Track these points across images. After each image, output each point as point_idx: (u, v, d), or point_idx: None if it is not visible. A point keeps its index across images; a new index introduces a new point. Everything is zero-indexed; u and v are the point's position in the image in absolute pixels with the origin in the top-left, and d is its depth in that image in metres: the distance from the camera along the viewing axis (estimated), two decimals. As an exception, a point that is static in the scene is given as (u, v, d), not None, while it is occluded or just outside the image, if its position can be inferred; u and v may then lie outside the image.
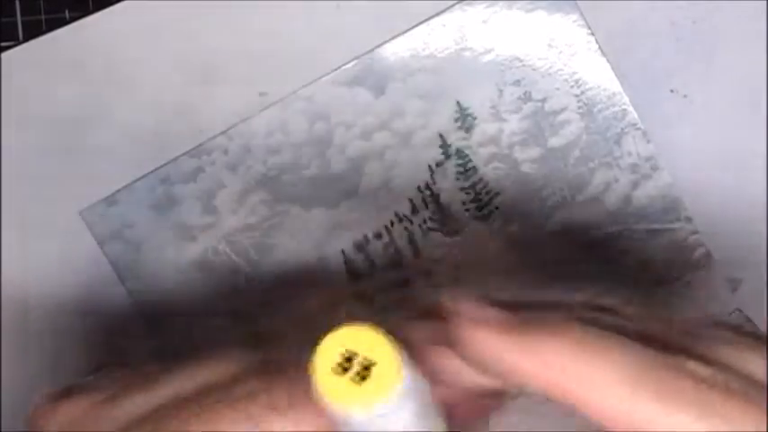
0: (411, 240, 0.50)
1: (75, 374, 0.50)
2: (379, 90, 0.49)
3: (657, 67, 0.49)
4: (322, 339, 0.31)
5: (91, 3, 0.49)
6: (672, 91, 0.49)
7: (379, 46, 0.48)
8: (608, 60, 0.48)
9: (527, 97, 0.49)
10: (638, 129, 0.49)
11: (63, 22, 0.49)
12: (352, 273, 0.50)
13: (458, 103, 0.49)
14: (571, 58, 0.48)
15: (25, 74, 0.48)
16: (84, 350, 0.49)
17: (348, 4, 0.48)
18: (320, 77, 0.48)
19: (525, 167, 0.49)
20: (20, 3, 0.49)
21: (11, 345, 0.49)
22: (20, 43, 0.48)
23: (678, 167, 0.49)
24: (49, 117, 0.48)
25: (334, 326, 0.31)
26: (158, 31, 0.48)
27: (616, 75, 0.49)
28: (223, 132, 0.49)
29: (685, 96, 0.49)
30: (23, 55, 0.48)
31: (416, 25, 0.48)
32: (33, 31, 0.49)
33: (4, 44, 0.48)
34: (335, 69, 0.48)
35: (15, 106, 0.48)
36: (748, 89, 0.49)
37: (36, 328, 0.49)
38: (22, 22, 0.49)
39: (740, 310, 0.50)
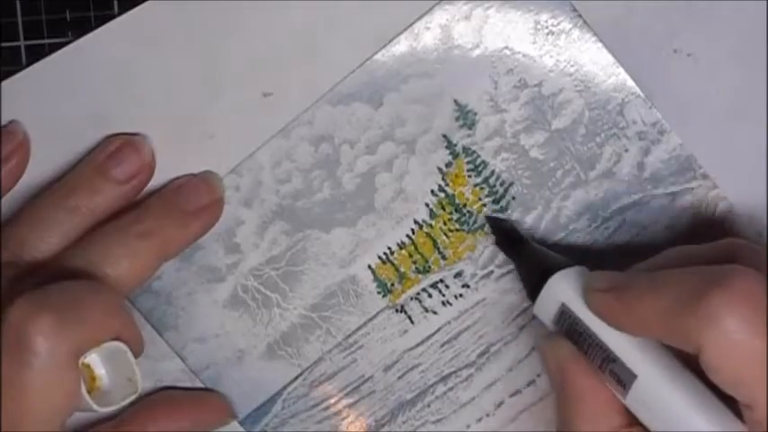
0: (435, 244, 0.50)
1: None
2: (377, 102, 0.49)
3: (658, 28, 0.48)
4: None
5: (91, 3, 0.49)
6: (675, 51, 0.49)
7: (368, 59, 0.49)
8: (595, 33, 0.48)
9: (523, 84, 0.49)
10: (639, 96, 0.49)
11: (64, 23, 0.49)
12: (383, 286, 0.50)
13: (455, 101, 0.49)
14: (559, 38, 0.48)
15: (26, 98, 0.49)
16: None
17: (331, 18, 0.48)
18: (316, 101, 0.49)
19: (534, 153, 0.49)
20: (20, 3, 0.50)
21: None
22: (23, 65, 0.49)
23: (688, 126, 0.49)
24: (55, 150, 0.49)
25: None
26: (160, 43, 0.49)
27: (609, 45, 0.49)
28: (232, 170, 0.49)
29: (689, 55, 0.49)
30: (26, 80, 0.49)
31: (401, 32, 0.48)
32: (35, 33, 0.49)
33: (5, 68, 0.49)
34: (330, 90, 0.49)
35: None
36: (751, 40, 0.49)
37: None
38: (23, 23, 0.49)
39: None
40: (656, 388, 0.40)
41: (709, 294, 0.38)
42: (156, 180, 0.49)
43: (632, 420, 0.42)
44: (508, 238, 0.49)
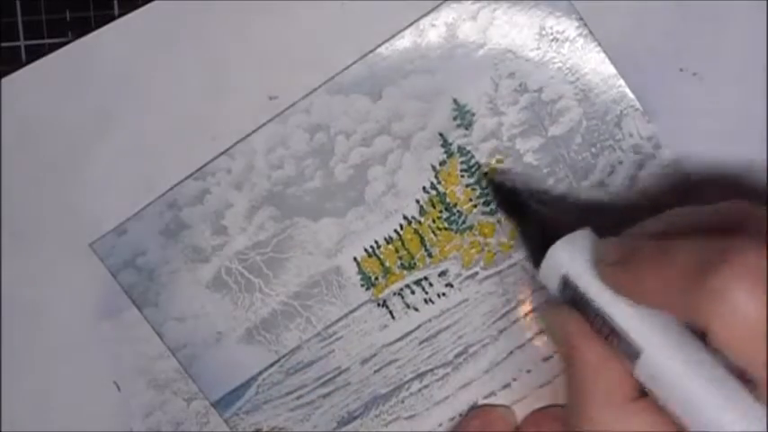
0: (422, 241, 0.50)
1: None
2: (377, 95, 0.49)
3: (666, 46, 0.48)
4: None
5: (91, 3, 0.49)
6: (681, 70, 0.49)
7: (371, 51, 0.48)
8: (599, 44, 0.48)
9: (523, 88, 0.49)
10: (637, 110, 0.49)
11: (64, 23, 0.49)
12: (367, 279, 0.50)
13: (455, 100, 0.49)
14: (563, 45, 0.48)
15: (27, 97, 0.49)
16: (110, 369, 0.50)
17: (343, 8, 0.48)
18: (316, 89, 0.49)
19: (528, 158, 0.49)
20: (20, 3, 0.49)
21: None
22: (23, 65, 0.49)
23: (687, 145, 0.49)
24: (51, 142, 0.49)
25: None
26: (165, 42, 0.49)
27: (614, 59, 0.49)
28: (225, 152, 0.49)
29: (695, 74, 0.49)
30: (26, 77, 0.49)
31: (406, 27, 0.48)
32: (35, 33, 0.49)
33: (5, 68, 0.49)
34: (330, 79, 0.49)
35: (17, 132, 0.49)
36: (756, 61, 0.49)
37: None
38: (23, 22, 0.49)
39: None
40: (662, 362, 0.39)
41: (716, 270, 0.37)
42: (156, 182, 0.49)
43: (645, 390, 0.41)
44: (509, 200, 0.48)
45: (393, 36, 0.48)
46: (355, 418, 0.51)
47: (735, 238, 0.38)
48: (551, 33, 0.48)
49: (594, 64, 0.49)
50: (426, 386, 0.51)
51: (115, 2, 0.49)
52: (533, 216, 0.46)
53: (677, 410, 0.39)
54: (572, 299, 0.43)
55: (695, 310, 0.37)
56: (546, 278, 0.44)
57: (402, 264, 0.50)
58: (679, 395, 0.39)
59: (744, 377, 0.39)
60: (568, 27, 0.48)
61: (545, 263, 0.44)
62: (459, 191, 0.50)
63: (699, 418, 0.38)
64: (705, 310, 0.37)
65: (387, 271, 0.50)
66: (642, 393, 0.41)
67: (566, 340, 0.43)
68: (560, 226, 0.44)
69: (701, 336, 0.39)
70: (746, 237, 0.38)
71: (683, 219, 0.42)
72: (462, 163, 0.49)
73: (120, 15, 0.49)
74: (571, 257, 0.43)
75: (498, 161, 0.49)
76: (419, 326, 0.51)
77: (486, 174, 0.49)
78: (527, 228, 0.47)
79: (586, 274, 0.42)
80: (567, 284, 0.43)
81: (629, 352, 0.40)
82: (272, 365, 0.51)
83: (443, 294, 0.50)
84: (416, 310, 0.51)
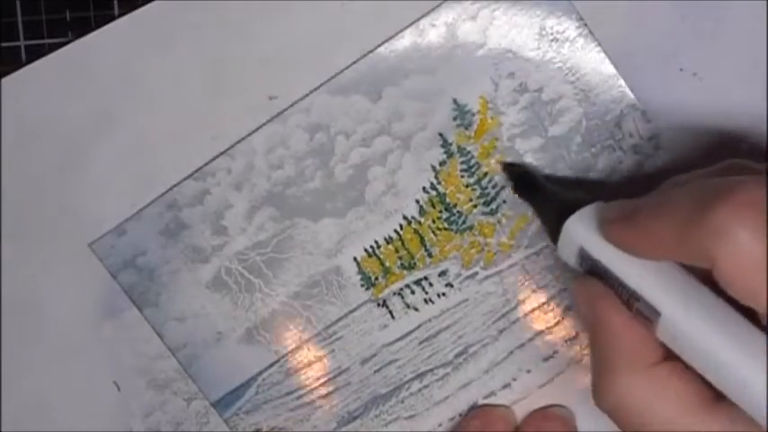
0: (422, 241, 0.50)
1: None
2: (376, 95, 0.49)
3: (665, 46, 0.48)
4: None
5: (91, 3, 0.49)
6: (681, 70, 0.49)
7: (371, 51, 0.48)
8: (599, 44, 0.48)
9: (523, 88, 0.49)
10: (638, 109, 0.49)
11: (63, 23, 0.49)
12: (367, 279, 0.50)
13: (454, 100, 0.49)
14: (563, 45, 0.48)
15: (27, 97, 0.49)
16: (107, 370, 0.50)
17: (343, 8, 0.48)
18: (315, 89, 0.49)
19: (528, 158, 0.49)
20: (20, 3, 0.49)
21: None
22: (23, 65, 0.49)
23: (687, 145, 0.49)
24: (51, 142, 0.49)
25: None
26: (165, 42, 0.49)
27: (614, 59, 0.49)
28: (225, 152, 0.49)
29: (695, 74, 0.49)
30: (26, 77, 0.49)
31: (406, 27, 0.48)
32: (35, 33, 0.49)
33: (5, 68, 0.49)
34: (329, 79, 0.49)
35: (17, 132, 0.49)
36: (756, 61, 0.49)
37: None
38: (23, 22, 0.49)
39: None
40: (681, 322, 0.39)
41: (717, 206, 0.36)
42: (156, 182, 0.49)
43: (670, 353, 0.41)
44: (524, 182, 0.49)
45: (393, 36, 0.48)
46: (355, 418, 0.51)
47: (733, 178, 0.38)
48: (551, 33, 0.48)
49: (594, 64, 0.49)
50: (426, 386, 0.51)
51: (115, 2, 0.49)
52: (549, 195, 0.47)
53: (701, 368, 0.39)
54: (591, 270, 0.43)
55: (699, 250, 0.37)
56: (565, 254, 0.44)
57: (402, 264, 0.50)
58: (702, 353, 0.39)
59: (754, 317, 0.38)
60: (568, 27, 0.48)
61: (562, 238, 0.44)
62: (460, 191, 0.50)
63: (721, 373, 0.38)
64: (708, 247, 0.37)
65: (387, 271, 0.50)
66: (668, 357, 0.41)
67: (590, 308, 0.43)
68: (576, 203, 0.44)
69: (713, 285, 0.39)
70: (744, 176, 0.38)
71: (684, 181, 0.42)
72: (462, 163, 0.49)
73: (120, 15, 0.49)
74: (585, 229, 0.43)
75: (498, 161, 0.49)
76: (419, 326, 0.51)
77: (502, 162, 0.49)
78: (544, 207, 0.47)
79: (600, 242, 0.42)
80: (584, 256, 0.43)
81: (648, 314, 0.40)
82: (272, 365, 0.51)
83: (443, 294, 0.50)
84: (416, 309, 0.51)
